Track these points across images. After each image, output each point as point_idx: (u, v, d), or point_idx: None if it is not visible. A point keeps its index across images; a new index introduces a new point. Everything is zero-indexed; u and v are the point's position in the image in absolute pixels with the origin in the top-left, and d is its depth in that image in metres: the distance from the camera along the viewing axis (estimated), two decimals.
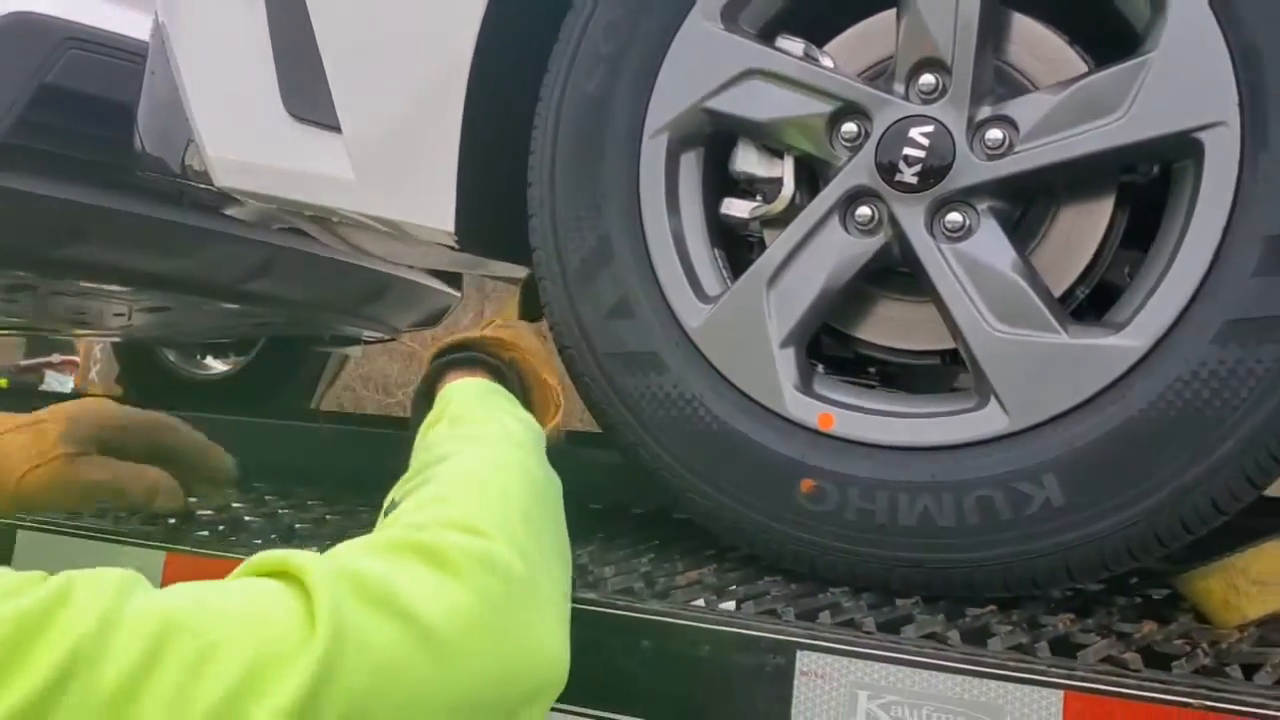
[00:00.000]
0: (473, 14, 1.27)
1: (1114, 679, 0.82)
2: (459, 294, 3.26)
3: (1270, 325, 0.97)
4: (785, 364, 1.15)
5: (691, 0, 1.19)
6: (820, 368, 1.23)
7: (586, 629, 0.92)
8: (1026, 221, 1.15)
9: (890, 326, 1.22)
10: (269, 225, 1.86)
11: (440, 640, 0.69)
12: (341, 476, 1.76)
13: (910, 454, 1.09)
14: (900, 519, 1.08)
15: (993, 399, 1.07)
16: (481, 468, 0.91)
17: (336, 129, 1.40)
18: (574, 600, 0.87)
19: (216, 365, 4.21)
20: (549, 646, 0.78)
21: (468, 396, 1.10)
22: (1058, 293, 1.13)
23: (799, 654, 0.91)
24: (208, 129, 1.54)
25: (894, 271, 1.19)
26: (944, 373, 1.25)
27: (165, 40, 1.65)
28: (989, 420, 1.07)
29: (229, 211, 1.80)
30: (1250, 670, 0.87)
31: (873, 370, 1.33)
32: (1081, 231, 1.13)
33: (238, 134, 1.50)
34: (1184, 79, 1.02)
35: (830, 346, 1.28)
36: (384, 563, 0.72)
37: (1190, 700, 0.78)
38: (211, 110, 1.55)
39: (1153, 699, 0.80)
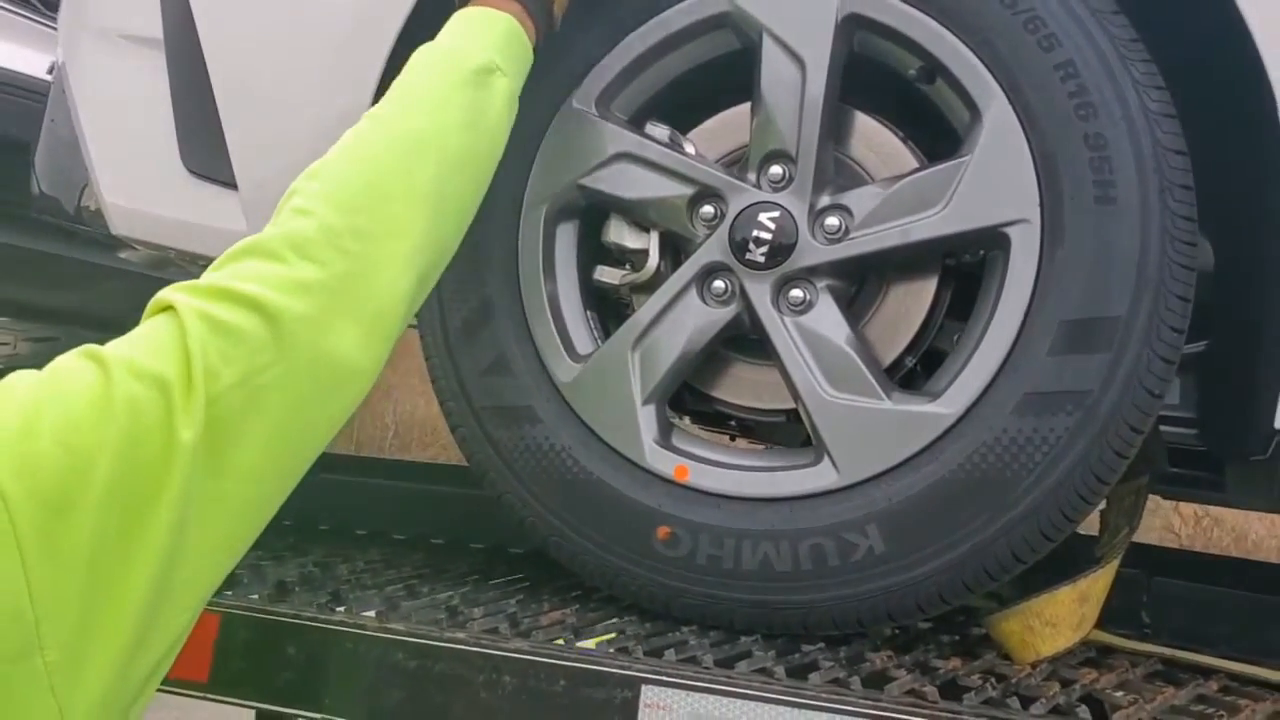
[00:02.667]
0: (368, 82, 1.37)
1: (912, 709, 0.94)
2: None
3: (1061, 399, 1.12)
4: (647, 420, 1.27)
5: (569, 88, 1.31)
6: (685, 420, 1.35)
7: (455, 665, 1.01)
8: (861, 298, 1.28)
9: (743, 387, 1.34)
10: (165, 269, 1.91)
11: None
12: None
13: (755, 504, 1.21)
14: (744, 564, 1.20)
15: (826, 457, 1.20)
16: (375, 153, 0.98)
17: (233, 185, 1.48)
18: (441, 640, 0.96)
19: None
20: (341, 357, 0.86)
21: (456, 28, 1.12)
22: (888, 361, 1.27)
23: (644, 688, 1.02)
24: (105, 178, 1.60)
25: (746, 338, 1.31)
26: (800, 428, 1.38)
27: (65, 84, 1.70)
28: (822, 476, 1.20)
29: (123, 255, 1.85)
30: (1027, 701, 1.01)
31: (733, 424, 1.46)
32: (908, 308, 1.27)
33: (135, 185, 1.56)
34: (995, 180, 1.16)
35: (692, 403, 1.40)
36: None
37: None
38: (110, 160, 1.61)
39: None
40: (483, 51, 1.08)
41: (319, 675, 1.09)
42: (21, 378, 0.75)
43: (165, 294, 0.84)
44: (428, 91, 1.04)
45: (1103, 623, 1.25)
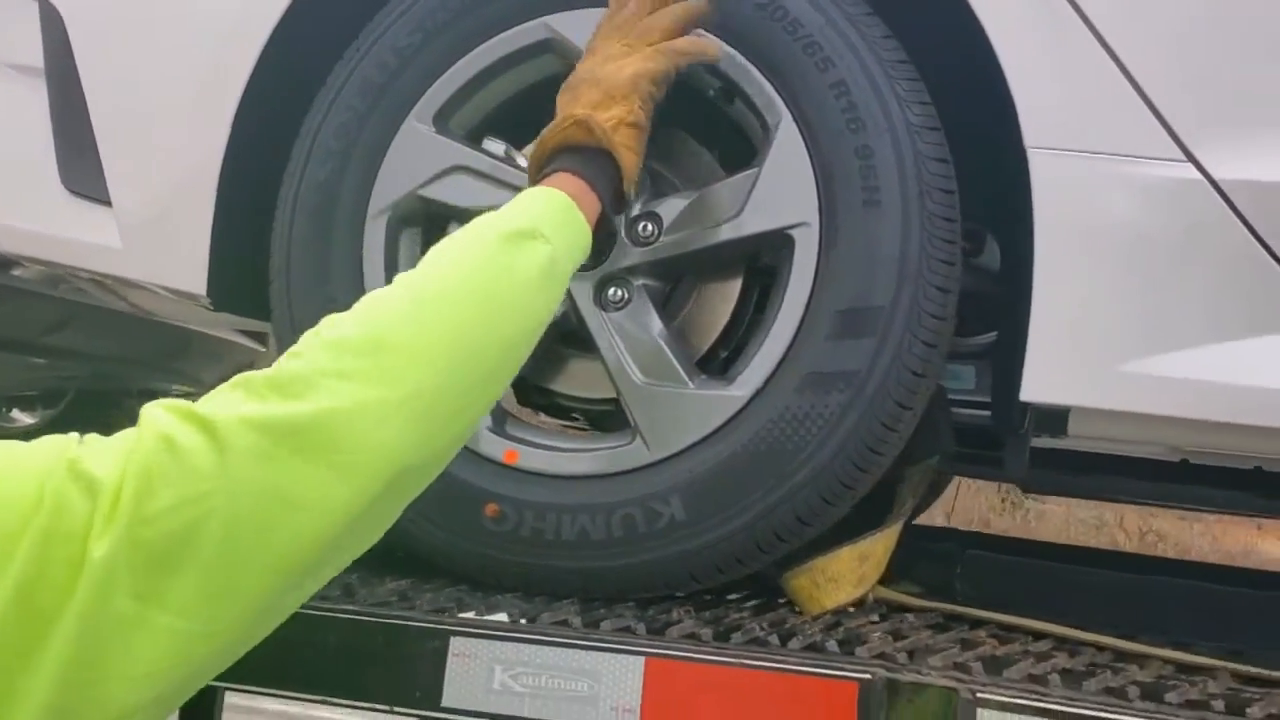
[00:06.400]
0: (226, 112, 1.49)
1: (681, 646, 1.07)
2: (263, 349, 3.42)
3: (835, 379, 1.26)
4: None
5: (408, 107, 1.44)
6: (541, 416, 1.47)
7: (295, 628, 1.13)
8: (675, 296, 1.42)
9: (578, 379, 1.47)
10: (57, 285, 2.01)
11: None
12: None
13: (575, 481, 1.34)
14: (563, 535, 1.32)
15: (638, 437, 1.33)
16: (385, 305, 0.92)
17: (108, 203, 1.59)
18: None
19: (23, 418, 4.22)
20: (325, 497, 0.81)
21: (513, 200, 1.09)
22: (701, 351, 1.41)
23: (451, 639, 1.13)
24: None
25: (579, 335, 1.44)
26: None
27: None
28: (634, 454, 1.33)
29: (15, 272, 1.95)
30: (786, 639, 1.14)
31: (575, 415, 1.59)
32: (716, 305, 1.41)
33: (17, 204, 1.67)
34: (781, 188, 1.31)
35: (539, 398, 1.53)
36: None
37: (726, 659, 1.04)
38: None
39: (703, 660, 1.05)
40: (526, 218, 1.04)
41: None
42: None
43: (148, 407, 0.81)
44: (456, 249, 0.99)
45: (892, 581, 1.39)
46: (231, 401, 0.81)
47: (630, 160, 1.15)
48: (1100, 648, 1.30)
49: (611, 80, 1.17)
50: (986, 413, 1.59)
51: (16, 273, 1.93)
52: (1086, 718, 0.97)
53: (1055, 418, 1.30)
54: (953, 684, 1.00)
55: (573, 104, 1.17)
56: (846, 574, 1.30)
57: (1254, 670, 1.21)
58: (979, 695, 0.99)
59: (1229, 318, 1.21)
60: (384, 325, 0.89)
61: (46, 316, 2.68)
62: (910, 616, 1.36)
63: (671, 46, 1.22)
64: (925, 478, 1.47)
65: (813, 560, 1.30)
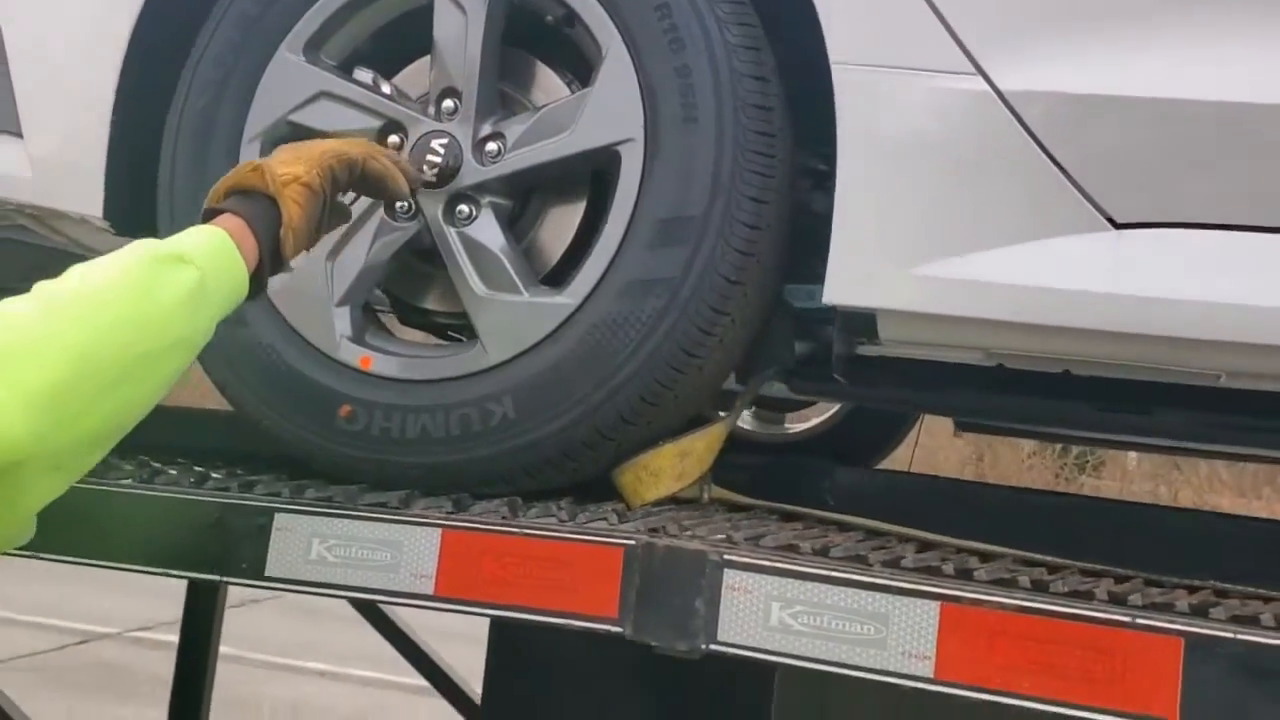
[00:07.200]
0: (119, 47, 1.59)
1: (487, 522, 1.17)
2: None
3: (653, 285, 1.34)
4: (341, 319, 1.48)
5: (280, 38, 1.53)
6: (420, 334, 1.57)
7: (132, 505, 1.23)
8: (526, 215, 1.50)
9: (439, 294, 1.56)
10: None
11: None
12: None
13: (419, 385, 1.43)
14: (408, 433, 1.41)
15: (479, 343, 1.42)
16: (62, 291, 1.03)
17: (20, 134, 1.70)
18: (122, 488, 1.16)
19: None
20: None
21: (178, 235, 1.17)
22: (550, 266, 1.49)
23: (276, 515, 1.24)
24: None
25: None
26: None
27: None
28: (476, 359, 1.42)
29: None
30: (575, 513, 1.23)
31: (454, 333, 1.68)
32: (562, 223, 1.49)
33: None
34: (609, 106, 1.39)
35: (410, 315, 1.62)
36: None
37: (517, 530, 1.14)
38: None
39: (497, 531, 1.15)
40: (180, 245, 1.13)
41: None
42: None
43: None
44: (106, 263, 1.08)
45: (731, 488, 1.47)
46: None
47: (294, 211, 1.22)
48: (933, 545, 1.35)
49: (306, 150, 1.30)
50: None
51: None
52: (826, 577, 1.05)
53: (863, 321, 1.37)
54: (703, 548, 1.08)
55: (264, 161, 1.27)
56: (667, 469, 1.38)
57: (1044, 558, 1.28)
58: (726, 558, 1.07)
59: (1019, 222, 1.27)
60: (11, 326, 0.96)
61: (22, 263, 2.81)
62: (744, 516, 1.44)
63: (374, 146, 1.37)
64: (754, 387, 1.54)
65: (636, 458, 1.38)
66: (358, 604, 2.84)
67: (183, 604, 3.03)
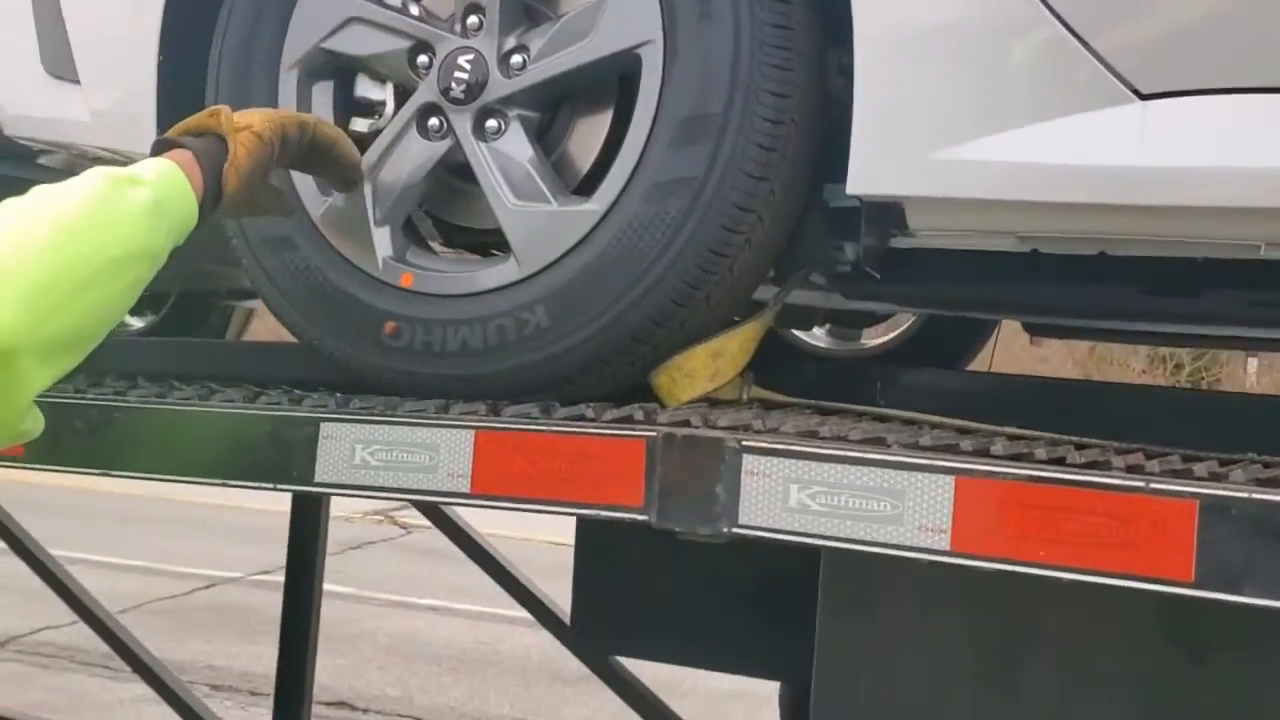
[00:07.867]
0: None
1: (517, 422, 1.21)
2: None
3: (675, 185, 1.35)
4: (381, 239, 1.53)
5: None
6: (456, 251, 1.61)
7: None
8: (555, 127, 1.52)
9: (476, 211, 1.59)
10: (73, 167, 2.23)
11: None
12: None
13: (458, 299, 1.47)
14: (448, 346, 1.46)
15: (512, 256, 1.45)
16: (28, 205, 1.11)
17: (78, 81, 1.78)
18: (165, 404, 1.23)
19: (134, 322, 4.60)
20: None
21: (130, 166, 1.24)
22: (581, 176, 1.50)
23: (322, 424, 1.29)
24: None
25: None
26: None
27: None
28: (509, 271, 1.45)
29: (41, 161, 2.17)
30: (602, 410, 1.26)
31: (497, 251, 1.71)
32: (591, 130, 1.50)
33: (7, 88, 1.88)
34: (627, 9, 1.39)
35: (453, 235, 1.66)
36: None
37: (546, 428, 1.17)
38: None
39: (529, 429, 1.19)
40: (133, 170, 1.21)
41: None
42: None
43: None
44: (75, 180, 1.16)
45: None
46: None
47: (240, 152, 1.29)
48: (966, 431, 1.35)
49: (268, 110, 1.42)
50: None
51: (42, 161, 2.14)
52: (841, 458, 1.06)
53: (891, 212, 1.36)
54: (722, 435, 1.10)
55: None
56: (700, 370, 1.40)
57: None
58: (744, 444, 1.09)
59: (1041, 100, 1.24)
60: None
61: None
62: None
63: (327, 123, 1.46)
64: (790, 284, 1.54)
65: (671, 360, 1.40)
66: (463, 544, 2.97)
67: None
